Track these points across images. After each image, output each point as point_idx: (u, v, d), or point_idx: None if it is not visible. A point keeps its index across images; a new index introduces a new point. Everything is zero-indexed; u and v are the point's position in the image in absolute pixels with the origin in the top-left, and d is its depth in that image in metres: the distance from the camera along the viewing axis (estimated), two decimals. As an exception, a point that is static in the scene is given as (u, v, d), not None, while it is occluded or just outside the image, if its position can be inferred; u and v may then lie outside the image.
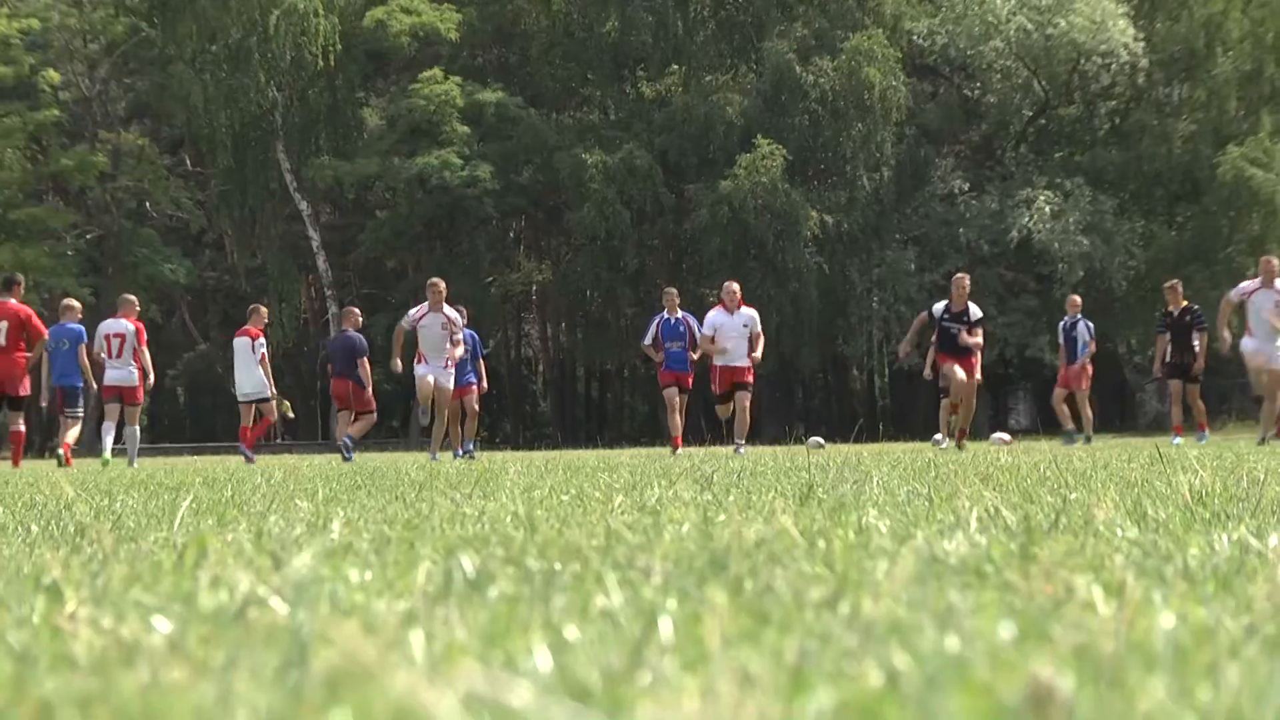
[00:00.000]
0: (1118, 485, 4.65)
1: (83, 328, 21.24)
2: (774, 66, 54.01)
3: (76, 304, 22.13)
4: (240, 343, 23.00)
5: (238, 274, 61.68)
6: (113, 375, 20.90)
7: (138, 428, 21.42)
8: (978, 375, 22.20)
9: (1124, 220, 53.77)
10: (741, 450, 19.16)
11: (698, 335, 22.58)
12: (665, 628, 1.62)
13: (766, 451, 18.95)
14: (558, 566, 2.34)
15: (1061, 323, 25.78)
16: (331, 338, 23.27)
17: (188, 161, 62.78)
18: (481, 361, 23.74)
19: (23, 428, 20.35)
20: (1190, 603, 1.81)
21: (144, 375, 20.96)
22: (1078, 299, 25.94)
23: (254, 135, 57.09)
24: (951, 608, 1.77)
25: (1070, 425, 25.30)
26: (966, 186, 55.83)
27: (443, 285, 21.82)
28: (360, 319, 24.60)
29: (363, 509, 4.46)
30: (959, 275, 22.94)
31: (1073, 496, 3.94)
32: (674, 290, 23.60)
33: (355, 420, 23.05)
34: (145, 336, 20.97)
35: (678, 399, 22.48)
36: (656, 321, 23.11)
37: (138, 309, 21.53)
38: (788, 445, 26.36)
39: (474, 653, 1.52)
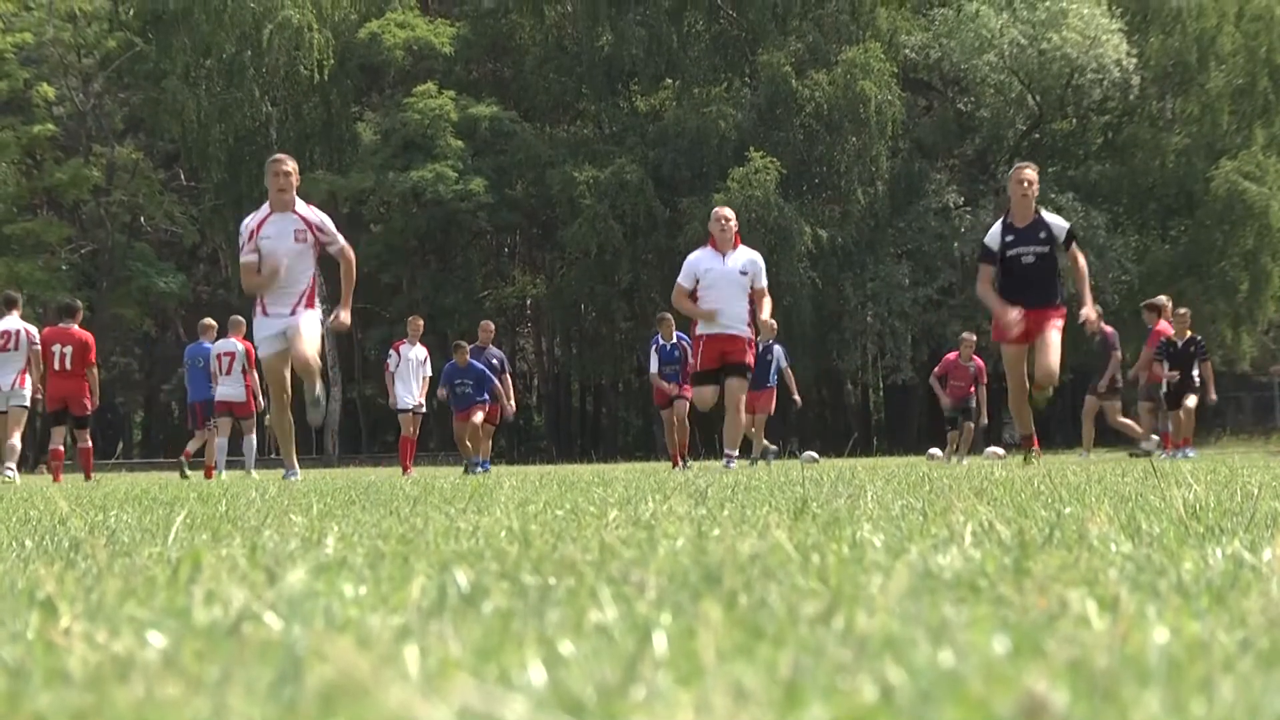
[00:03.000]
0: (1112, 499, 4.65)
1: (212, 347, 22.95)
2: (768, 80, 54.08)
3: (213, 323, 23.83)
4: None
5: (231, 288, 61.65)
6: (223, 392, 22.49)
7: (254, 438, 22.83)
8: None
9: (1117, 235, 53.84)
10: (732, 464, 15.02)
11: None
12: (659, 642, 1.62)
13: (760, 466, 18.90)
14: (552, 581, 2.34)
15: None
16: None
17: (182, 176, 62.80)
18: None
19: (89, 442, 21.35)
20: (1184, 617, 1.81)
21: (252, 392, 22.45)
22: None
23: (248, 150, 57.14)
24: (945, 622, 1.77)
25: (1139, 433, 25.06)
26: (961, 200, 55.89)
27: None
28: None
29: (357, 524, 4.46)
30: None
31: (1067, 511, 3.94)
32: (669, 315, 22.10)
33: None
34: (255, 356, 21.53)
35: (675, 416, 21.16)
36: (654, 348, 22.42)
37: (244, 328, 22.49)
38: (781, 459, 26.35)
39: (468, 668, 1.52)
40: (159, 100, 57.22)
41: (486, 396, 23.48)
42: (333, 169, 57.32)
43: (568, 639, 1.70)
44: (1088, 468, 10.55)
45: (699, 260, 15.46)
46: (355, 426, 62.68)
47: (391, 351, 24.36)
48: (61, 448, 21.29)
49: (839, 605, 1.93)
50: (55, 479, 19.57)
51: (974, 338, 26.06)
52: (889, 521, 3.69)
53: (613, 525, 3.80)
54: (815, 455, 25.72)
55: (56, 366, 20.76)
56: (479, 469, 23.04)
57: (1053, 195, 53.66)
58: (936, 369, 26.28)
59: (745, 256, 15.42)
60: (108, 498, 8.47)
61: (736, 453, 15.53)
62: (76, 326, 21.17)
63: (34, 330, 20.80)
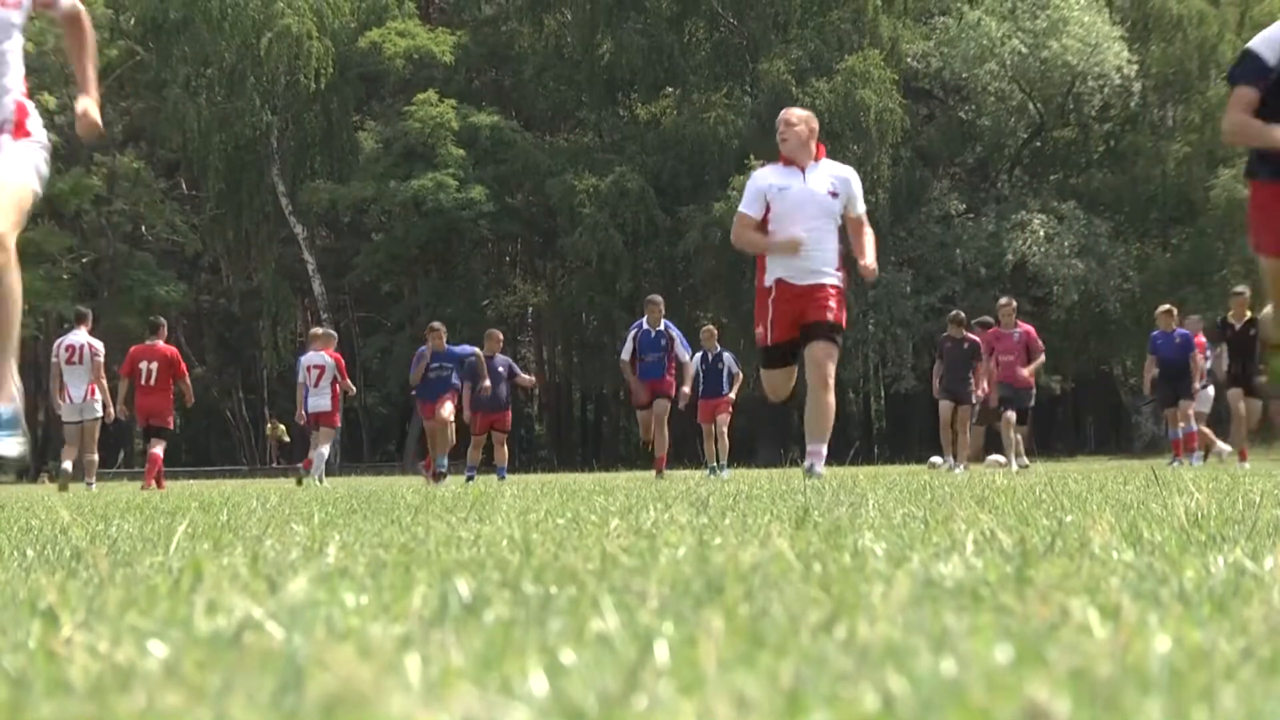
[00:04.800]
0: (1113, 508, 4.65)
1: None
2: (769, 88, 54.10)
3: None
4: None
5: (233, 297, 61.70)
6: (312, 403, 23.14)
7: (326, 449, 23.39)
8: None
9: (1119, 243, 53.87)
10: (818, 467, 11.21)
11: (681, 349, 20.37)
12: (661, 651, 1.62)
13: (762, 475, 18.90)
14: (553, 590, 2.34)
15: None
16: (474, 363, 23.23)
17: (183, 185, 62.86)
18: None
19: (160, 451, 21.93)
20: (1186, 625, 1.81)
21: (337, 402, 23.28)
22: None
23: (249, 159, 57.19)
24: (947, 631, 1.77)
25: (1216, 443, 24.91)
26: (963, 208, 55.91)
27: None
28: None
29: (358, 533, 4.45)
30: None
31: (1068, 519, 3.94)
32: (659, 299, 21.15)
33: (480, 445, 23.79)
34: (345, 367, 23.31)
35: (652, 417, 20.17)
36: (634, 333, 20.74)
37: (336, 340, 24.17)
38: (783, 468, 26.34)
39: (470, 677, 1.52)
40: (159, 109, 57.26)
41: (459, 383, 22.22)
42: (333, 178, 57.34)
43: (569, 648, 1.70)
44: (1088, 476, 10.54)
45: (767, 179, 11.42)
46: (356, 435, 62.71)
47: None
48: (159, 452, 21.90)
49: (841, 614, 1.93)
50: (159, 486, 20.44)
51: (1013, 302, 23.54)
52: (891, 530, 3.69)
53: (614, 534, 3.79)
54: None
55: (143, 382, 21.50)
56: (498, 476, 22.87)
57: (1054, 203, 53.71)
58: (981, 350, 22.93)
59: (832, 172, 11.47)
60: (109, 507, 8.47)
61: (825, 449, 11.68)
62: (161, 343, 21.92)
63: (99, 345, 21.56)
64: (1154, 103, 57.20)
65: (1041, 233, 52.32)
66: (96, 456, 21.59)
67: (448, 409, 22.09)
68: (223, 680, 1.51)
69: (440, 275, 59.16)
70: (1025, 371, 22.24)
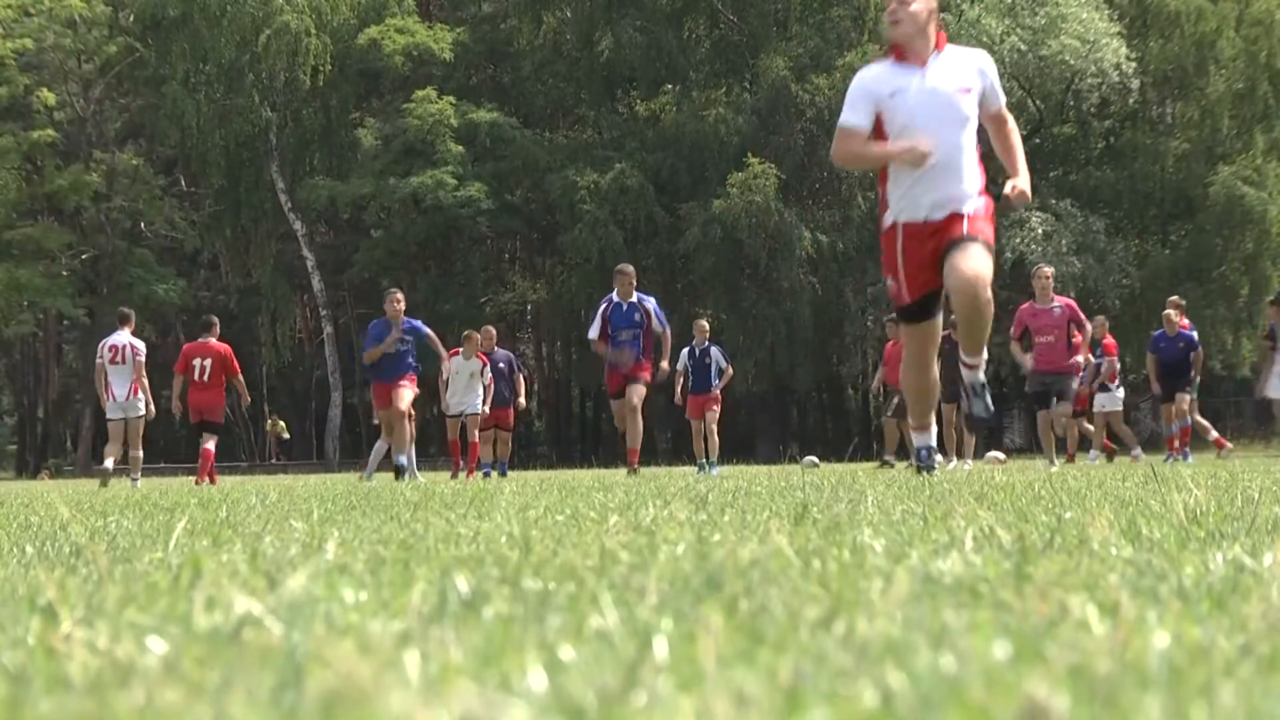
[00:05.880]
0: (1112, 504, 4.65)
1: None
2: (769, 84, 54.06)
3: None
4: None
5: (232, 294, 61.71)
6: (454, 402, 23.42)
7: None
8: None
9: (1118, 239, 53.85)
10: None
11: (658, 322, 18.19)
12: (660, 648, 1.62)
13: (761, 471, 18.85)
14: (553, 587, 2.34)
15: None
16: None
17: (182, 182, 62.86)
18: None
19: (212, 447, 22.35)
20: (1185, 622, 1.81)
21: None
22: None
23: (248, 155, 57.16)
24: (946, 627, 1.77)
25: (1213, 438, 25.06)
26: (962, 206, 55.84)
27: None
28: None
29: (358, 529, 4.46)
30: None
31: (1067, 515, 3.94)
32: (630, 268, 18.96)
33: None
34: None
35: (626, 406, 18.26)
36: (604, 308, 18.46)
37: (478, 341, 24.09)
38: (782, 464, 26.35)
39: (469, 673, 1.52)
40: (158, 106, 57.24)
41: (415, 364, 20.22)
42: (332, 175, 57.32)
43: (568, 644, 1.70)
44: (1087, 472, 10.54)
45: (876, 80, 8.95)
46: (355, 432, 62.69)
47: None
48: (211, 448, 22.30)
49: (840, 610, 1.93)
50: (213, 481, 20.74)
51: (1049, 269, 19.93)
52: (890, 527, 3.69)
53: (613, 530, 3.79)
54: (816, 460, 25.68)
55: (196, 378, 21.94)
56: (485, 472, 22.82)
57: (1053, 201, 53.66)
58: (1013, 329, 19.24)
59: (962, 62, 8.99)
60: (108, 503, 8.47)
61: (984, 360, 9.34)
62: (214, 340, 22.32)
63: (140, 345, 22.04)
64: (1153, 100, 57.17)
65: (1040, 230, 52.30)
66: (141, 453, 22.19)
67: (405, 398, 19.89)
68: (222, 676, 1.51)
69: (439, 272, 59.14)
70: (1078, 357, 18.98)
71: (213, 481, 20.51)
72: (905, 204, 8.88)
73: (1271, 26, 55.59)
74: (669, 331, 18.65)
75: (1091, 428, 24.43)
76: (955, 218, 8.79)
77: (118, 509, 7.27)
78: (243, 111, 56.15)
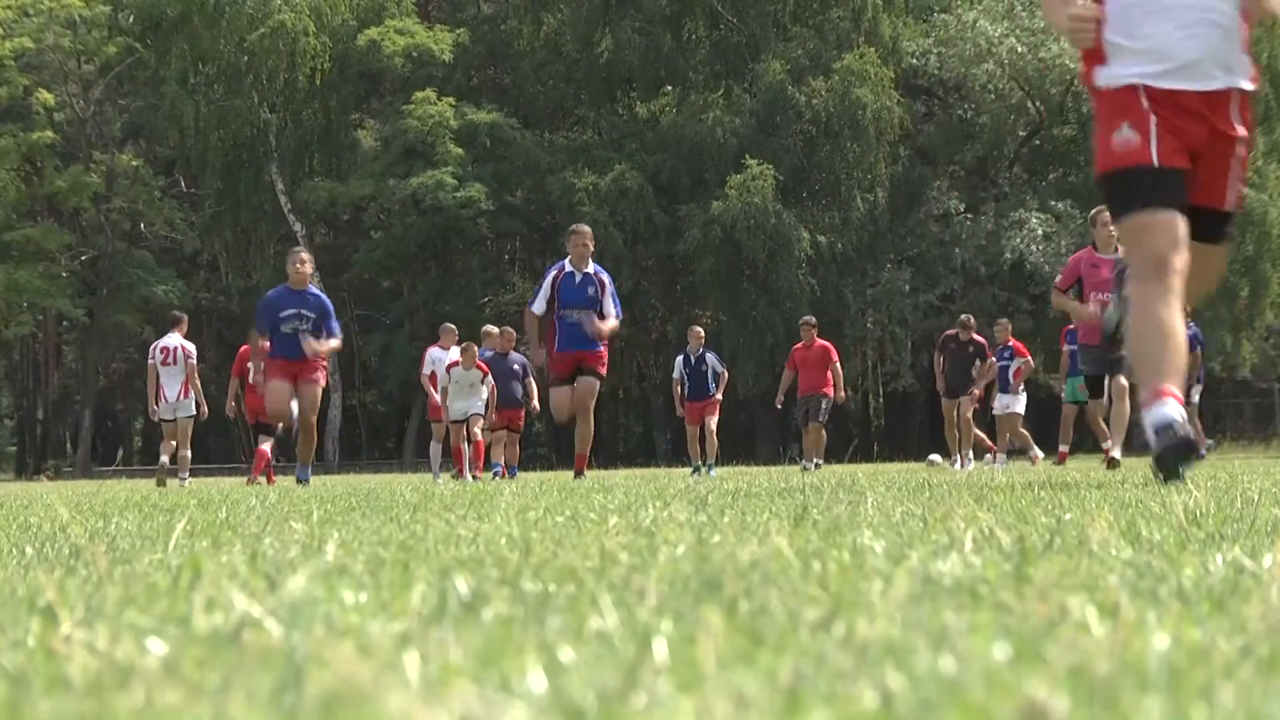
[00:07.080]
0: (1112, 506, 4.65)
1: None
2: (767, 86, 54.07)
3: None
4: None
5: (231, 295, 61.70)
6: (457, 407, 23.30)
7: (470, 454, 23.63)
8: None
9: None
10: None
11: (611, 303, 15.54)
12: (660, 649, 1.62)
13: (761, 472, 18.89)
14: (552, 588, 2.34)
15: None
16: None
17: (182, 183, 62.84)
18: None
19: (268, 448, 22.08)
20: (1185, 623, 1.81)
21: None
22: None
23: (247, 156, 57.16)
24: (946, 629, 1.77)
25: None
26: (962, 207, 55.89)
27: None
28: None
29: (357, 530, 4.45)
30: None
31: (1067, 517, 3.94)
32: (586, 228, 16.16)
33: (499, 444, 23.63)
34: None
35: (567, 402, 15.41)
36: (552, 276, 15.65)
37: (454, 336, 24.16)
38: (782, 466, 26.36)
39: (469, 674, 1.52)
40: (158, 107, 57.24)
41: (336, 336, 17.02)
42: (332, 176, 57.33)
43: (568, 646, 1.70)
44: (1087, 473, 10.54)
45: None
46: (355, 433, 62.68)
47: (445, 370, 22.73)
48: (267, 448, 22.12)
49: (839, 612, 1.93)
50: (269, 480, 20.74)
51: (1106, 212, 13.26)
52: (889, 528, 3.69)
53: (613, 532, 3.79)
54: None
55: (252, 380, 21.78)
56: (496, 472, 22.60)
57: (1053, 201, 53.68)
58: (1060, 278, 15.08)
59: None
60: (108, 505, 8.47)
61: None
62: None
63: (191, 347, 22.48)
64: (1153, 101, 57.22)
65: (1040, 231, 52.33)
66: (189, 453, 22.47)
67: (316, 391, 16.79)
68: (222, 678, 1.51)
69: (439, 273, 59.14)
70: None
71: (270, 481, 20.52)
72: (1152, 62, 6.68)
73: (1272, 27, 55.62)
74: (620, 318, 16.18)
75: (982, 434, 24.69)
76: (1223, 97, 6.72)
77: (117, 510, 7.27)
78: (242, 112, 56.13)
